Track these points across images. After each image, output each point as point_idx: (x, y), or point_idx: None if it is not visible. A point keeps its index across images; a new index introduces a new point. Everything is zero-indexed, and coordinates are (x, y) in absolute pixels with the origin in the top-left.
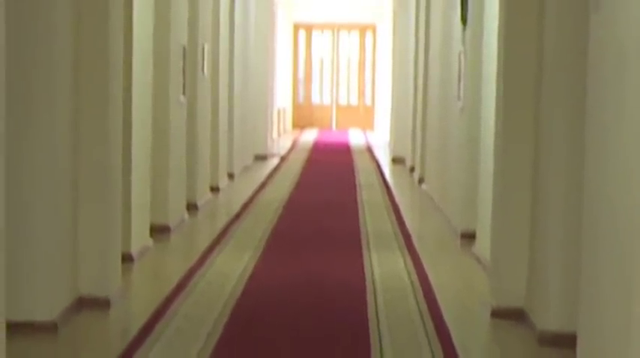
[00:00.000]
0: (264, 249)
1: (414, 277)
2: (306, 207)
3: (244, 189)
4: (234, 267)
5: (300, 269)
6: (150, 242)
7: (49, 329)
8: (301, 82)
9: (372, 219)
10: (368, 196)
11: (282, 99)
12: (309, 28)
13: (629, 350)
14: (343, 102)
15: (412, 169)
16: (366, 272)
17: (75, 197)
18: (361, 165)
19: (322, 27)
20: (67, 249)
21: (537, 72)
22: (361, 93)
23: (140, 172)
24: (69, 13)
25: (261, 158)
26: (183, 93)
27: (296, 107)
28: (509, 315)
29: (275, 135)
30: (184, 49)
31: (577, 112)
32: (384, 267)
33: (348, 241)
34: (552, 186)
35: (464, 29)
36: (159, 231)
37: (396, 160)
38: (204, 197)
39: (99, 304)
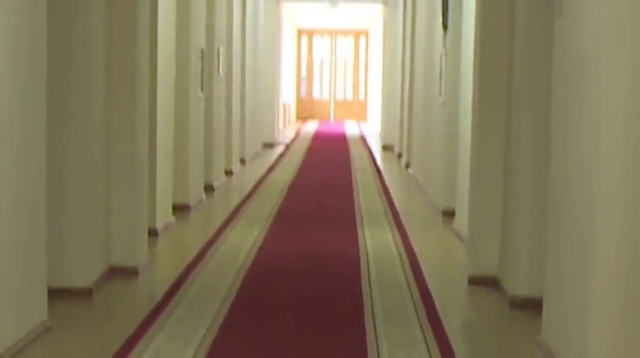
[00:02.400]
0: (271, 225)
1: (402, 249)
2: (308, 188)
3: (254, 172)
4: (245, 240)
5: (303, 242)
6: (172, 218)
7: (85, 294)
8: (304, 79)
9: (365, 198)
10: (361, 179)
11: (287, 94)
12: (310, 34)
13: (588, 311)
14: (340, 97)
15: (400, 155)
16: (359, 245)
17: (108, 180)
18: (355, 152)
19: (322, 32)
20: (100, 225)
21: (508, 71)
22: (356, 90)
23: (164, 158)
24: (102, 22)
25: (269, 146)
26: (202, 90)
27: (299, 101)
28: (484, 282)
29: (281, 126)
30: (202, 52)
31: (543, 107)
32: (375, 241)
33: (344, 218)
34: (521, 171)
35: (445, 34)
36: (180, 209)
37: (386, 148)
38: (219, 179)
39: (128, 272)
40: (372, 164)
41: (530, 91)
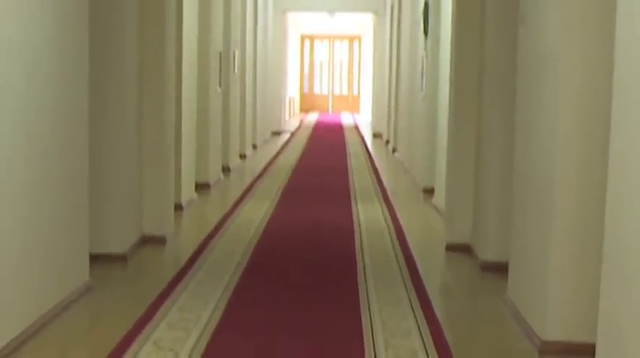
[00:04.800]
0: (278, 201)
1: (389, 221)
2: (310, 169)
3: (264, 156)
4: (257, 213)
5: (305, 215)
6: (195, 195)
7: (121, 259)
8: (306, 77)
9: (358, 178)
10: (355, 162)
11: (292, 90)
12: (312, 38)
13: (547, 273)
14: (337, 92)
15: (387, 142)
16: (353, 217)
17: (140, 162)
18: (350, 139)
19: (322, 37)
20: (134, 200)
21: (479, 70)
22: (350, 86)
23: (188, 144)
24: (135, 30)
25: (277, 133)
26: (220, 86)
27: (302, 96)
28: (459, 249)
29: (287, 116)
30: (220, 54)
31: (509, 100)
32: (366, 214)
33: (340, 195)
34: (490, 154)
35: (425, 39)
36: (201, 187)
37: (376, 135)
38: (234, 162)
39: (157, 241)
40: (364, 149)
41: (498, 87)
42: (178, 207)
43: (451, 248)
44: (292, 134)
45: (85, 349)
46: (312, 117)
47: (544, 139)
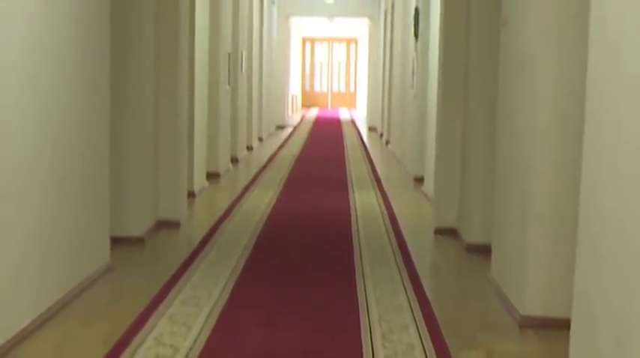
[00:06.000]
0: (282, 189)
1: (383, 207)
2: (310, 160)
3: (269, 148)
4: (262, 200)
5: (306, 202)
6: (206, 183)
7: (139, 241)
8: (307, 76)
9: (355, 168)
10: (352, 153)
11: (295, 87)
12: (312, 41)
13: (525, 254)
14: (335, 90)
15: (381, 135)
16: (350, 204)
17: (156, 153)
18: (347, 132)
19: (321, 40)
20: (151, 188)
21: (465, 70)
22: (348, 84)
23: (200, 137)
24: (151, 32)
25: (281, 127)
26: (229, 84)
27: (304, 93)
28: (446, 232)
29: (290, 112)
30: (229, 55)
31: (491, 98)
32: (362, 200)
33: (338, 183)
34: (475, 146)
35: (416, 41)
36: (212, 176)
37: (371, 129)
38: (242, 153)
39: (172, 225)
40: (360, 142)
41: (482, 85)
42: (191, 195)
43: (439, 231)
44: (295, 128)
45: (105, 323)
46: (313, 113)
47: (524, 134)
